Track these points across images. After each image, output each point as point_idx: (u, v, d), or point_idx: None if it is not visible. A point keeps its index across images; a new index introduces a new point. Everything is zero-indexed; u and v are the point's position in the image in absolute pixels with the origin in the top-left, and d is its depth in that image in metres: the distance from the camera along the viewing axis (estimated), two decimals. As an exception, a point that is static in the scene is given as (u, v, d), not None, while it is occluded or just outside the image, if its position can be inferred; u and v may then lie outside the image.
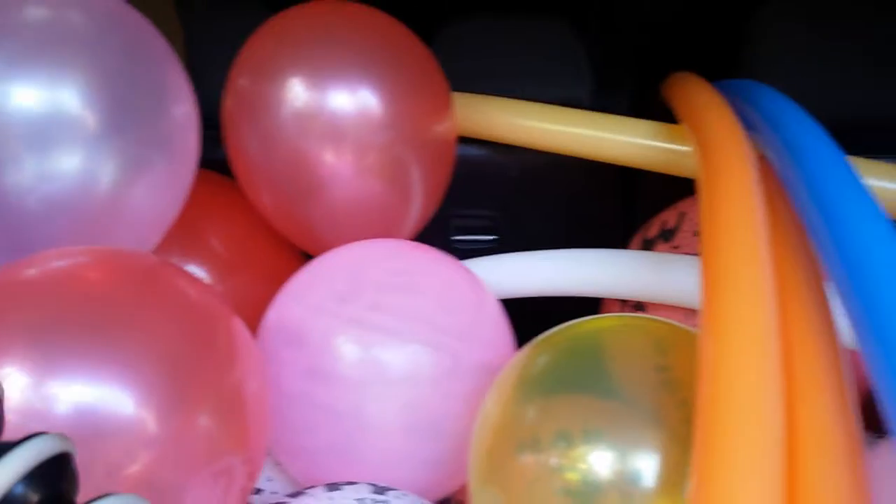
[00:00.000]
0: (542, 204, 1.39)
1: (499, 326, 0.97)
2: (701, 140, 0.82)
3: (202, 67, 1.10)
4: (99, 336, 0.66)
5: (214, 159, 1.03)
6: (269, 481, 0.97)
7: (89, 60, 0.80)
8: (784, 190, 0.73)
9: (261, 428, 0.78)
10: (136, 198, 0.84)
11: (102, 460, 0.62)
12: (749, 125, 0.83)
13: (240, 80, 1.01)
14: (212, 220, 1.11)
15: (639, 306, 1.08)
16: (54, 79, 0.77)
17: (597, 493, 0.62)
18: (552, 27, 1.33)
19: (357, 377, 0.86)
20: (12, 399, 0.60)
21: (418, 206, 1.07)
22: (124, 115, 0.81)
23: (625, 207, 1.40)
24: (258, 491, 0.96)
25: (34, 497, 0.44)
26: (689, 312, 0.99)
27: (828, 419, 0.53)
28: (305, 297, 0.93)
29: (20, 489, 0.43)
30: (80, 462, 0.49)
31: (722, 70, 1.12)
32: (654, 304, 1.05)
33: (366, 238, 1.01)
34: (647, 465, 0.62)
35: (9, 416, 0.48)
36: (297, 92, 0.96)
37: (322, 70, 0.97)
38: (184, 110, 0.90)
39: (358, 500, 0.77)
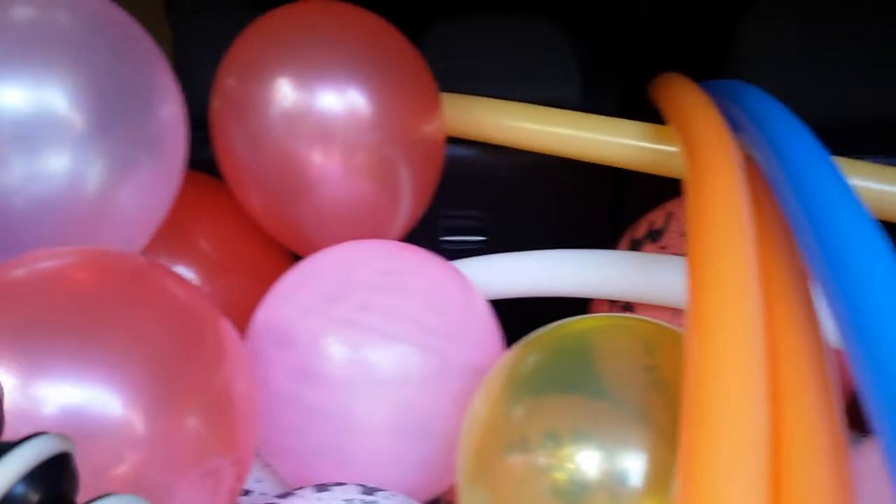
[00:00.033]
0: (530, 204, 1.39)
1: (488, 327, 0.97)
2: (687, 140, 0.83)
3: (190, 68, 1.10)
4: (86, 337, 0.66)
5: (202, 160, 1.03)
6: (258, 482, 0.97)
7: (76, 61, 0.80)
8: (770, 190, 0.73)
9: (249, 429, 0.78)
10: (123, 198, 0.84)
11: (90, 461, 0.61)
12: (735, 125, 0.84)
13: (227, 81, 1.01)
14: (200, 221, 1.11)
15: (627, 307, 1.08)
16: (41, 79, 0.77)
17: (585, 493, 0.62)
18: (540, 27, 1.33)
19: (346, 378, 0.86)
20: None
21: (407, 206, 1.07)
22: (112, 116, 0.81)
23: (613, 208, 1.40)
24: (247, 492, 0.96)
25: (34, 497, 0.44)
26: (677, 312, 0.99)
27: (813, 418, 0.54)
28: (294, 298, 0.93)
29: (20, 489, 0.43)
30: (69, 463, 0.48)
31: (709, 70, 1.12)
32: (642, 305, 1.05)
33: (355, 239, 1.01)
34: (635, 465, 0.62)
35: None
36: (285, 92, 0.96)
37: (310, 70, 0.97)
38: (171, 111, 0.90)
39: (347, 500, 0.77)
